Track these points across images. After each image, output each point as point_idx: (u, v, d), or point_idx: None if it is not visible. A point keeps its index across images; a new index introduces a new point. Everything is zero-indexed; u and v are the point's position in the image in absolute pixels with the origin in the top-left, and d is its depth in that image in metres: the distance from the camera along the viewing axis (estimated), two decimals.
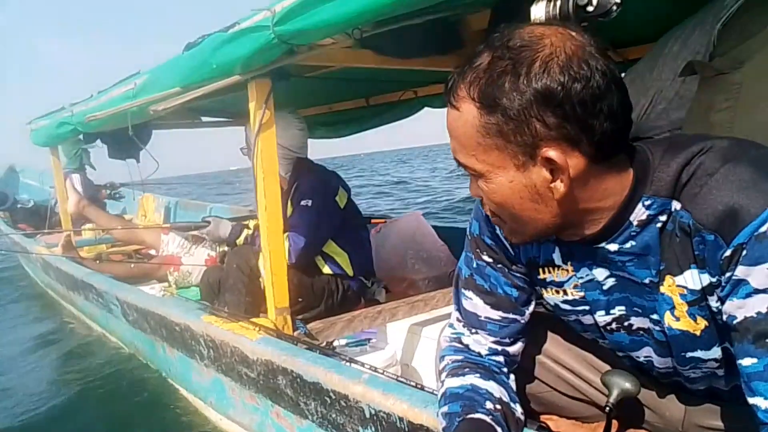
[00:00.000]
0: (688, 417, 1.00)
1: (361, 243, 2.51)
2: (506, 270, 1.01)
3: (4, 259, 6.16)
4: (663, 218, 0.80)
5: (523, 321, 1.04)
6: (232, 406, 2.02)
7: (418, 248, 2.87)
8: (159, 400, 2.49)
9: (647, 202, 0.80)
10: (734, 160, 0.74)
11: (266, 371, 1.69)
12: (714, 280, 0.77)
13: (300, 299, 2.19)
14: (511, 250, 0.99)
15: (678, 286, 0.81)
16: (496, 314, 1.02)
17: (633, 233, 0.82)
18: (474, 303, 1.04)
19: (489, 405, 0.95)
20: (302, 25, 1.40)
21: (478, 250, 1.03)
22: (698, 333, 0.84)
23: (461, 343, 1.06)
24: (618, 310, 0.92)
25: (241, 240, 2.54)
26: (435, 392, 1.16)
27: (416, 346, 2.04)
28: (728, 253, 0.72)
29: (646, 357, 0.96)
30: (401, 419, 1.24)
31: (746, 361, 0.73)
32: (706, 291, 0.79)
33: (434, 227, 3.07)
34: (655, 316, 0.88)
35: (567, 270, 0.94)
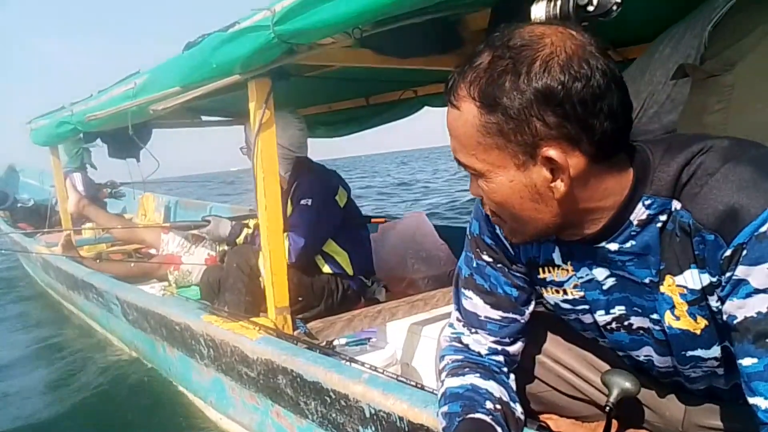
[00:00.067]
0: (688, 416, 1.00)
1: (361, 242, 2.51)
2: (506, 270, 1.01)
3: (5, 258, 6.16)
4: (663, 218, 0.80)
5: (522, 321, 1.04)
6: (232, 406, 2.02)
7: (417, 248, 2.87)
8: (159, 400, 2.50)
9: (647, 202, 0.80)
10: (734, 159, 0.74)
11: (266, 371, 1.69)
12: (714, 279, 0.77)
13: (300, 298, 2.19)
14: (511, 249, 0.99)
15: (678, 285, 0.81)
16: (496, 314, 1.02)
17: (633, 233, 0.82)
18: (474, 303, 1.04)
19: (489, 405, 0.95)
20: (302, 25, 1.40)
21: (478, 250, 1.03)
22: (698, 332, 0.84)
23: (461, 342, 1.06)
24: (618, 310, 0.92)
25: (241, 239, 2.54)
26: (435, 392, 1.16)
27: (416, 346, 2.04)
28: (728, 252, 0.72)
29: (646, 356, 0.96)
30: (401, 419, 1.24)
31: (746, 361, 0.73)
32: (706, 291, 0.79)
33: (436, 226, 3.07)
34: (654, 316, 0.88)
35: (567, 270, 0.94)
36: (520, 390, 1.08)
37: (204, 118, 3.67)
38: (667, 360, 0.93)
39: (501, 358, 1.04)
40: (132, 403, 2.51)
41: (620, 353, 1.02)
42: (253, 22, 1.56)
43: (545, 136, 0.74)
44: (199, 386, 2.25)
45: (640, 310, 0.89)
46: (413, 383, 1.33)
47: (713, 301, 0.79)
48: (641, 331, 0.92)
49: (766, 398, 0.71)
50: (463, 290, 1.06)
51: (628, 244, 0.83)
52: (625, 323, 0.93)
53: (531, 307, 1.04)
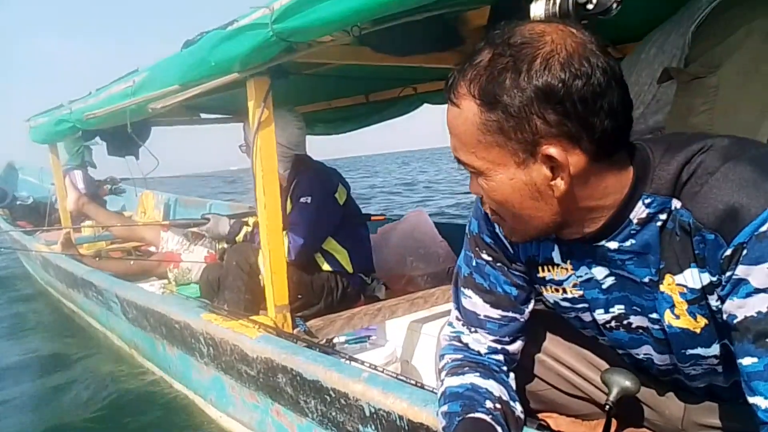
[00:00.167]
0: (688, 415, 1.00)
1: (360, 240, 2.51)
2: (505, 268, 1.01)
3: (4, 257, 6.15)
4: (663, 217, 0.79)
5: (522, 319, 1.04)
6: (232, 404, 2.02)
7: (416, 245, 2.87)
8: (159, 398, 2.50)
9: (647, 201, 0.80)
10: (734, 158, 0.74)
11: (266, 369, 1.69)
12: (714, 279, 0.76)
13: (300, 296, 2.19)
14: (510, 248, 0.99)
15: (678, 284, 0.81)
16: (496, 313, 1.02)
17: (633, 231, 0.82)
18: (473, 302, 1.03)
19: (489, 404, 0.95)
20: (301, 23, 1.40)
21: (477, 249, 1.02)
22: (698, 331, 0.84)
23: (461, 341, 1.06)
24: (617, 309, 0.92)
25: (240, 237, 2.54)
26: (435, 391, 1.16)
27: (416, 343, 2.04)
28: (728, 252, 0.71)
29: (645, 354, 0.96)
30: (401, 417, 1.24)
31: (746, 361, 0.73)
32: (706, 290, 0.79)
33: (436, 224, 3.07)
34: (654, 315, 0.88)
35: (566, 268, 0.94)
36: (520, 389, 1.08)
37: (203, 115, 3.66)
38: (667, 358, 0.93)
39: (501, 357, 1.04)
40: (131, 401, 2.51)
41: (620, 351, 1.02)
42: (252, 20, 1.56)
43: (545, 134, 0.73)
44: (199, 384, 2.25)
45: (639, 310, 0.89)
46: (413, 382, 1.32)
47: (713, 301, 0.79)
48: (640, 330, 0.92)
49: (765, 398, 0.71)
50: (462, 289, 1.05)
51: (627, 243, 0.83)
52: (624, 322, 0.93)
53: (530, 306, 1.04)
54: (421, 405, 1.20)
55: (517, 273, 1.01)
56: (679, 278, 0.81)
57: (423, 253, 2.83)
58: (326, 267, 2.36)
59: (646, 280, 0.85)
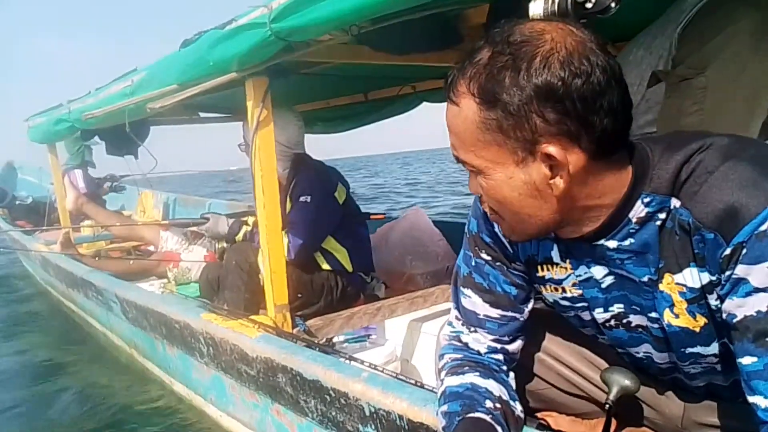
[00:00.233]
0: (687, 414, 1.00)
1: (360, 239, 2.50)
2: (505, 268, 1.01)
3: (4, 257, 6.15)
4: (662, 216, 0.79)
5: (522, 319, 1.04)
6: (232, 404, 2.02)
7: (415, 244, 2.86)
8: (158, 398, 2.50)
9: (646, 200, 0.79)
10: (734, 158, 0.73)
11: (266, 369, 1.68)
12: (714, 278, 0.76)
13: (299, 296, 2.19)
14: (509, 247, 0.99)
15: (677, 284, 0.81)
16: (495, 312, 1.02)
17: (632, 230, 0.82)
18: (473, 301, 1.03)
19: (489, 404, 0.95)
20: (299, 22, 1.40)
21: (476, 248, 1.02)
22: (697, 330, 0.84)
23: (460, 341, 1.06)
24: (616, 308, 0.92)
25: (240, 236, 2.54)
26: (434, 390, 1.16)
27: (416, 342, 2.04)
28: (728, 251, 0.71)
29: (645, 353, 0.96)
30: (401, 417, 1.24)
31: (746, 360, 0.73)
32: (706, 289, 0.78)
33: (435, 222, 3.07)
34: (653, 314, 0.87)
35: (565, 268, 0.93)
36: (520, 388, 1.08)
37: (202, 114, 3.66)
38: (666, 356, 0.93)
39: (500, 356, 1.04)
40: (131, 400, 2.52)
41: (619, 350, 1.01)
42: (250, 19, 1.55)
43: (545, 133, 0.73)
44: (199, 384, 2.25)
45: (638, 309, 0.89)
46: (413, 382, 1.32)
47: (713, 300, 0.79)
48: (640, 329, 0.92)
49: (765, 397, 0.71)
50: (461, 289, 1.05)
51: (626, 242, 0.83)
52: (624, 321, 0.93)
53: (530, 306, 1.04)
54: (420, 404, 1.20)
55: (516, 272, 1.01)
56: (678, 277, 0.81)
57: (422, 251, 2.83)
58: (326, 266, 2.36)
59: (645, 279, 0.84)
